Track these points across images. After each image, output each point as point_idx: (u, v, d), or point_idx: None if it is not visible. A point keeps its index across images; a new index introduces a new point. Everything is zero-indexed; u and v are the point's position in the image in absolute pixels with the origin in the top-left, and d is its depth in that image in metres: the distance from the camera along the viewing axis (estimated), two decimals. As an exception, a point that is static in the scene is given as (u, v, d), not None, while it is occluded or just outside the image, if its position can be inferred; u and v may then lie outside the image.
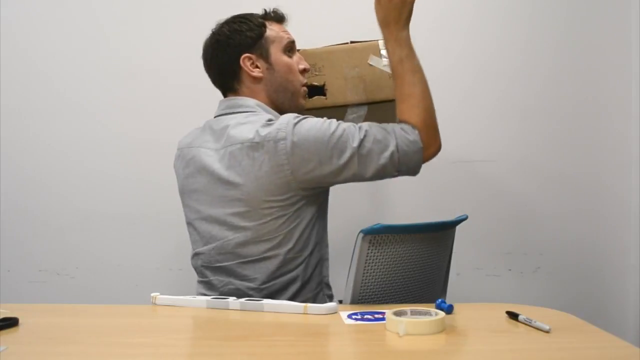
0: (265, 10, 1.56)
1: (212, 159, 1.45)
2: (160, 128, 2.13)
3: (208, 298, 1.27)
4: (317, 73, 1.60)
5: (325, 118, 1.38)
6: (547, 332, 1.03)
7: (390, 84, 1.54)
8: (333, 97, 1.60)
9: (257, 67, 1.51)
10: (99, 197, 2.14)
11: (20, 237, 2.13)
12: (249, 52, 1.50)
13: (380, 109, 1.61)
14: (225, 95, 1.57)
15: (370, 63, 1.57)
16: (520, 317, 1.09)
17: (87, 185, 2.14)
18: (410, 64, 1.40)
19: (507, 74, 2.17)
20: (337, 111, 1.63)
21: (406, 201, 2.16)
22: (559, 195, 2.19)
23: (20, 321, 1.10)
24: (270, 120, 1.40)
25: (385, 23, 1.42)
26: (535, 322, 1.06)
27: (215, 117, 1.54)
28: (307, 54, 1.60)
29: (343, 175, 1.37)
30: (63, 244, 2.14)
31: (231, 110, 1.50)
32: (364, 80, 1.58)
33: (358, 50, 1.59)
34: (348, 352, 0.99)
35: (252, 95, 1.52)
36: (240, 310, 1.21)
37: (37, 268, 2.13)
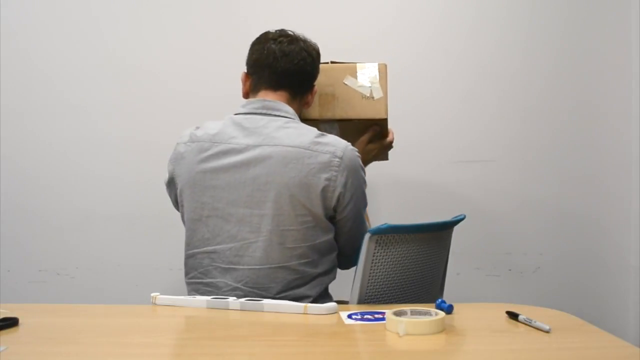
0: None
1: (245, 157, 1.41)
2: (160, 129, 2.13)
3: (208, 298, 1.27)
4: None
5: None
6: (547, 332, 1.03)
7: (362, 104, 1.63)
8: (304, 111, 1.65)
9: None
10: (99, 197, 2.14)
11: (20, 237, 2.13)
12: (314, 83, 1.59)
13: (350, 126, 1.66)
14: (276, 88, 1.51)
15: (346, 83, 1.63)
16: (520, 317, 1.10)
17: (87, 185, 2.14)
18: None
19: (508, 74, 2.17)
20: (308, 124, 1.66)
21: (406, 201, 2.16)
22: (559, 195, 2.19)
23: (20, 321, 1.09)
24: (321, 132, 1.46)
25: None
26: (535, 322, 1.06)
27: (238, 114, 1.50)
28: None
29: (344, 222, 1.46)
30: (63, 244, 2.14)
31: (267, 112, 1.47)
32: (337, 98, 1.64)
33: (335, 69, 1.65)
34: (348, 352, 0.99)
35: (293, 108, 1.53)
36: (240, 310, 1.21)
37: (37, 268, 2.13)
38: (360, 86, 1.64)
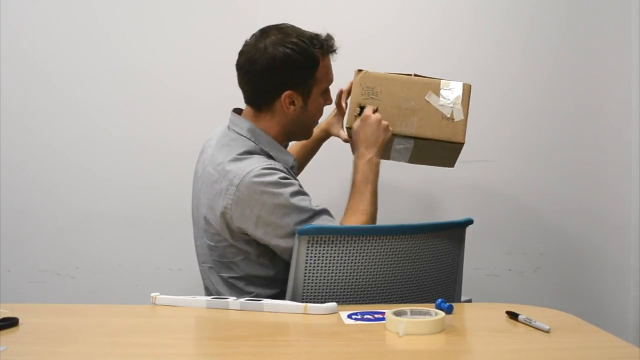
0: (324, 41, 1.47)
1: (197, 174, 1.57)
2: (161, 129, 2.13)
3: (208, 298, 1.27)
4: (373, 97, 1.59)
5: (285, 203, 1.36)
6: (547, 332, 1.03)
7: (441, 125, 1.57)
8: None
9: (293, 103, 1.46)
10: (99, 198, 2.14)
11: (20, 237, 2.13)
12: (294, 90, 1.45)
13: (427, 146, 1.60)
14: (246, 102, 1.52)
15: (427, 99, 1.57)
16: (520, 317, 1.09)
17: (87, 185, 2.14)
18: (373, 187, 1.48)
19: (508, 74, 2.17)
20: None
21: (406, 201, 2.16)
22: (559, 195, 2.19)
23: (20, 321, 1.09)
24: (243, 153, 1.42)
25: (365, 142, 1.51)
26: (535, 322, 1.06)
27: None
28: (368, 76, 1.60)
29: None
30: (63, 244, 2.13)
31: (230, 125, 1.51)
32: (416, 115, 1.58)
33: (419, 84, 1.59)
34: (348, 352, 0.99)
35: (264, 122, 1.49)
36: (240, 310, 1.21)
37: (37, 268, 2.13)
38: (441, 105, 1.57)
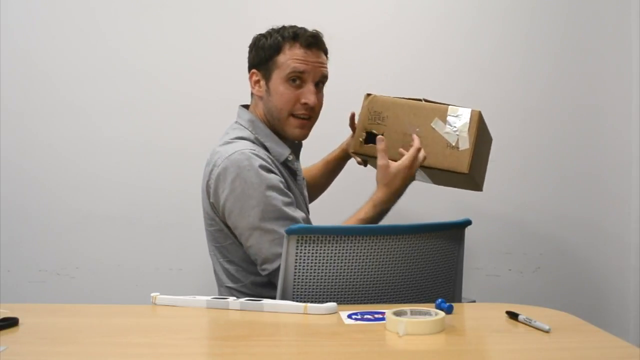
0: (296, 31, 1.50)
1: None
2: (160, 129, 2.13)
3: (208, 298, 1.27)
4: (379, 122, 1.56)
5: (260, 198, 1.38)
6: (547, 332, 1.03)
7: (445, 153, 1.50)
8: (390, 153, 1.53)
9: (259, 84, 1.54)
10: (99, 198, 2.14)
11: (20, 237, 2.13)
12: (256, 69, 1.54)
13: (438, 173, 1.55)
14: None
15: (433, 126, 1.51)
16: (520, 317, 1.09)
17: (87, 185, 2.14)
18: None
19: (508, 74, 2.17)
20: None
21: (406, 201, 2.15)
22: (559, 196, 2.19)
23: (20, 321, 1.09)
24: (235, 138, 1.47)
25: (394, 190, 1.49)
26: (535, 322, 1.06)
27: None
28: (376, 101, 1.58)
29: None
30: (63, 244, 2.14)
31: (236, 118, 1.58)
32: (421, 142, 1.50)
33: (426, 109, 1.53)
34: (348, 352, 0.99)
35: (254, 107, 1.57)
36: (240, 310, 1.21)
37: (37, 268, 2.13)
38: (446, 132, 1.50)
